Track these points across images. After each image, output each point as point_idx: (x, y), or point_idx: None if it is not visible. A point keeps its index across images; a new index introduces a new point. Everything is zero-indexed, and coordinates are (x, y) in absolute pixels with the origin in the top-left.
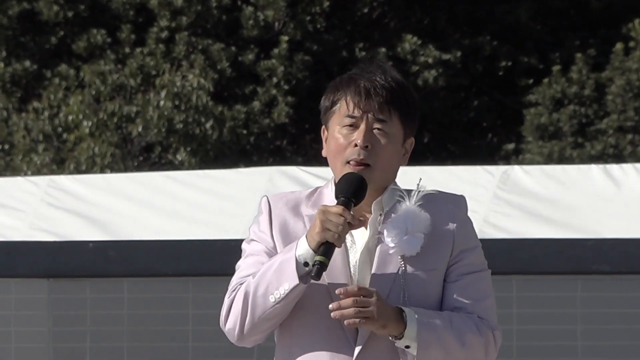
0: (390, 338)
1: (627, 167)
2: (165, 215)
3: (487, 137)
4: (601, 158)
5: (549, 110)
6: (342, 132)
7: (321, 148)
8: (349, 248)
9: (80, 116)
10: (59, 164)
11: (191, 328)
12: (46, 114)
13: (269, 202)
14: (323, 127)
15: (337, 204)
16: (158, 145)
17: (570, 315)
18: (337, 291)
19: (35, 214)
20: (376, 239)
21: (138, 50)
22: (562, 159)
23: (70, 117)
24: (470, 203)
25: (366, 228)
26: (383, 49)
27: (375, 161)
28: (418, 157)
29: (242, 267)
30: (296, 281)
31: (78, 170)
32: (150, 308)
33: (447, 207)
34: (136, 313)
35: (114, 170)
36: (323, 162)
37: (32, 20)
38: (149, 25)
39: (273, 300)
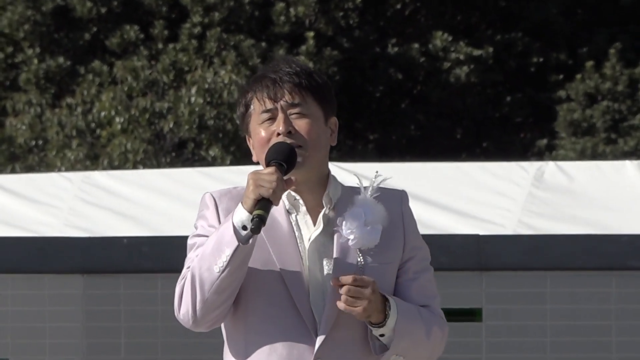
0: (368, 325)
1: None
2: None
3: (520, 133)
4: (634, 154)
5: (582, 106)
6: (263, 127)
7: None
8: (297, 239)
9: (113, 112)
10: (93, 160)
11: None
12: (79, 110)
13: (213, 197)
14: (247, 136)
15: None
16: (191, 141)
17: (604, 311)
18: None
19: (70, 210)
20: (331, 231)
21: (171, 46)
22: (595, 155)
23: (102, 113)
24: (504, 200)
25: (311, 217)
26: (415, 45)
27: (304, 142)
28: (451, 153)
29: (191, 258)
30: (235, 243)
31: (111, 167)
32: None
33: (394, 202)
34: (170, 309)
35: (146, 166)
36: (357, 158)
37: (66, 16)
38: (182, 22)
39: (218, 270)
